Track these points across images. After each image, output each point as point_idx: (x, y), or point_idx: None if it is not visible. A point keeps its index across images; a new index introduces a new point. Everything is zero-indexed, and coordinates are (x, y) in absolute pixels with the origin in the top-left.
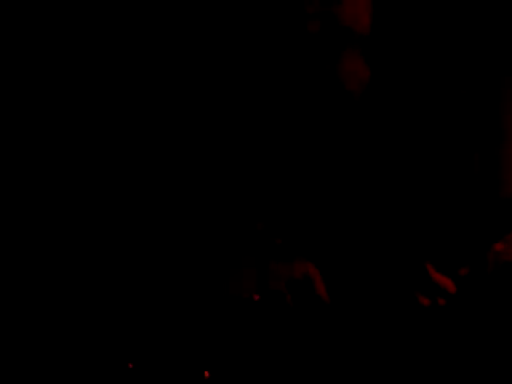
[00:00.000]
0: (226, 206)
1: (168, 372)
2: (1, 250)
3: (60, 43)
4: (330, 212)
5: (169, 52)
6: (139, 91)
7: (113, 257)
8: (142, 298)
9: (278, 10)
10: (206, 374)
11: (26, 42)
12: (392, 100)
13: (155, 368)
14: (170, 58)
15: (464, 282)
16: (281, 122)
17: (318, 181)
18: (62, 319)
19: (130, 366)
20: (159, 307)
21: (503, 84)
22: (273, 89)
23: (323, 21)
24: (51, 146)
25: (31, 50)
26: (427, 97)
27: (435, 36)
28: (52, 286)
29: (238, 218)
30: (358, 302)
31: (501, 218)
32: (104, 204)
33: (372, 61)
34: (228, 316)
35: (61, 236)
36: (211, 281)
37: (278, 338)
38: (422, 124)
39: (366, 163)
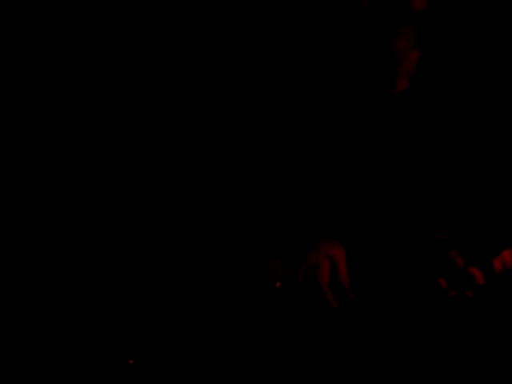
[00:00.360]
0: (242, 195)
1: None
2: (1, 250)
3: (60, 43)
4: (356, 199)
5: (171, 47)
6: (140, 91)
7: (124, 252)
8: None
9: None
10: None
11: (26, 42)
12: (438, 91)
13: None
14: (173, 54)
15: (495, 274)
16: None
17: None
18: (61, 319)
19: (130, 362)
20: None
21: None
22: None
23: None
24: (51, 147)
25: (31, 50)
26: (475, 95)
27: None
28: (52, 285)
29: (254, 206)
30: (381, 291)
31: None
32: (117, 202)
33: (426, 42)
34: (258, 303)
35: (60, 236)
36: (239, 269)
37: (298, 326)
38: (467, 118)
39: (401, 150)
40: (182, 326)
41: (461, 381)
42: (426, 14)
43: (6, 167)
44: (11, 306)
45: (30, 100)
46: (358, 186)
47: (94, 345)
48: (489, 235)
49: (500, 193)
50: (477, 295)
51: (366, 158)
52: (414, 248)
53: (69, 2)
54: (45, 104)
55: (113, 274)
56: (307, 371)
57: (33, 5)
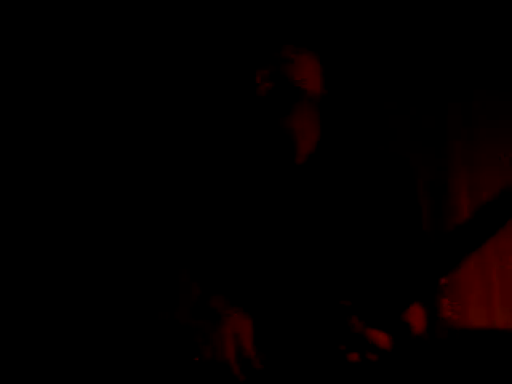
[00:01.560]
0: None
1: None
2: (1, 250)
3: (60, 44)
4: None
5: None
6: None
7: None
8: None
9: (231, 69)
10: None
11: (26, 42)
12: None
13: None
14: None
15: (402, 337)
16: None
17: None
18: (61, 319)
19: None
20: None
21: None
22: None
23: (275, 80)
24: (50, 147)
25: (31, 50)
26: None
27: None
28: (51, 285)
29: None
30: (286, 357)
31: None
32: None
33: (325, 121)
34: None
35: (60, 236)
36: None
37: None
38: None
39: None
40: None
41: None
42: (321, 96)
43: (6, 167)
44: (11, 306)
45: (30, 101)
46: (261, 256)
47: (94, 345)
48: (390, 298)
49: (397, 258)
50: (382, 358)
51: (269, 232)
52: (316, 314)
53: (69, 2)
54: (44, 104)
55: (111, 274)
56: None
57: (33, 5)
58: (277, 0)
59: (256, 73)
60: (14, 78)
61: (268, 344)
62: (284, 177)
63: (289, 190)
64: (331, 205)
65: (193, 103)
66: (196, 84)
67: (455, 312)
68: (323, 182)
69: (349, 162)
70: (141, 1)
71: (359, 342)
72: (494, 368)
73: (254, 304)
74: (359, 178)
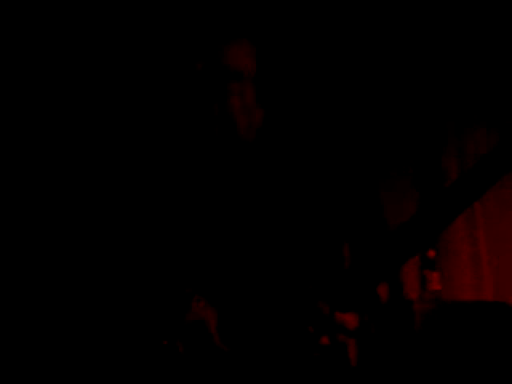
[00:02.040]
0: None
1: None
2: (1, 250)
3: (60, 44)
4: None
5: None
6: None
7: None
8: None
9: (169, 51)
10: None
11: (26, 42)
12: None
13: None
14: None
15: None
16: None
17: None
18: (61, 319)
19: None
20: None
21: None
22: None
23: (208, 60)
24: (50, 147)
25: (31, 50)
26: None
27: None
28: (51, 285)
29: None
30: (255, 346)
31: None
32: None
33: (266, 102)
34: None
35: (60, 236)
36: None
37: None
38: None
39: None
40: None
41: None
42: (259, 77)
43: (6, 167)
44: (11, 306)
45: (30, 101)
46: (223, 248)
47: (94, 345)
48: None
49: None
50: (351, 339)
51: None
52: (283, 298)
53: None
54: (44, 105)
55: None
56: None
57: (33, 5)
58: None
59: (192, 60)
60: (14, 78)
61: (235, 332)
62: (233, 155)
63: (239, 168)
64: (281, 183)
65: (132, 97)
66: (135, 75)
67: (444, 285)
68: (272, 158)
69: (298, 139)
70: None
71: (328, 325)
72: (483, 340)
73: (218, 293)
74: (307, 157)
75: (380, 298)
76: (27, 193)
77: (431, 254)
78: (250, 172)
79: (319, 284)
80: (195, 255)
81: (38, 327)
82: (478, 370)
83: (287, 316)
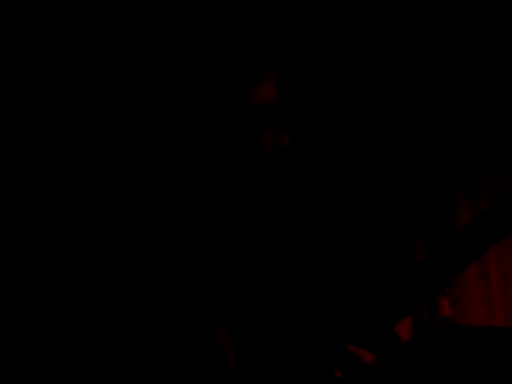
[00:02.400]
0: None
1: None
2: (1, 250)
3: (60, 44)
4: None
5: None
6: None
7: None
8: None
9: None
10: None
11: (26, 42)
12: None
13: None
14: None
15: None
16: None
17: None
18: (61, 319)
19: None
20: None
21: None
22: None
23: (242, 102)
24: (50, 147)
25: (31, 50)
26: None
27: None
28: (51, 286)
29: None
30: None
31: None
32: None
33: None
34: None
35: (60, 237)
36: None
37: None
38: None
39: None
40: None
41: None
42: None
43: (6, 168)
44: (11, 306)
45: (30, 101)
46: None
47: (93, 345)
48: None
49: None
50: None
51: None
52: (313, 332)
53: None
54: (44, 105)
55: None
56: None
57: (33, 5)
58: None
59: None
60: (13, 78)
61: (254, 357)
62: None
63: (269, 186)
64: (307, 200)
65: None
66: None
67: (455, 311)
68: (301, 175)
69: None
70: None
71: (344, 359)
72: (493, 366)
73: (241, 315)
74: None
75: (397, 336)
76: (27, 193)
77: None
78: (280, 189)
79: (345, 313)
80: (222, 272)
81: (43, 330)
82: None
83: (312, 344)
